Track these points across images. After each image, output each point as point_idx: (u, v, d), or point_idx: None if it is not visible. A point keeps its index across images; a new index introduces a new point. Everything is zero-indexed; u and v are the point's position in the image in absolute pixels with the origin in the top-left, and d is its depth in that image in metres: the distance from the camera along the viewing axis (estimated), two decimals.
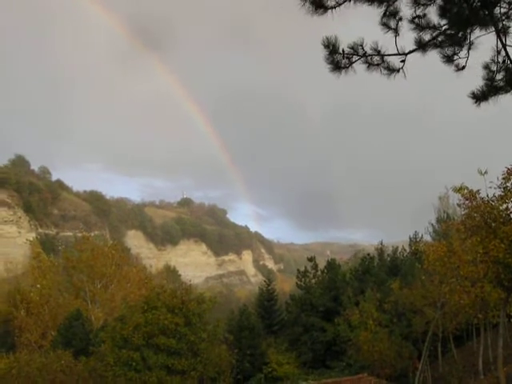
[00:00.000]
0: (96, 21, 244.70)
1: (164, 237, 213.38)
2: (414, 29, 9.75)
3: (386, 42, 9.55)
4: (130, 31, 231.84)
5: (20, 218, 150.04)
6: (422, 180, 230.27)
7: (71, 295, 55.55)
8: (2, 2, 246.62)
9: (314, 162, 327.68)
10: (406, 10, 9.56)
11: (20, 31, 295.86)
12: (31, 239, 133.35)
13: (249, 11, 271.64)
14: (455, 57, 9.86)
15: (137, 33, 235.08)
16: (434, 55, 9.78)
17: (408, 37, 9.66)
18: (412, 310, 38.78)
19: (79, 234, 64.77)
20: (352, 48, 9.51)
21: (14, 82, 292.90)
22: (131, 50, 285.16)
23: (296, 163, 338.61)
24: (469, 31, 9.61)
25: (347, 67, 9.59)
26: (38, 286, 54.89)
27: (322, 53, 9.39)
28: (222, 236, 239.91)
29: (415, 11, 9.60)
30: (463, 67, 9.99)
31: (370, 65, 9.70)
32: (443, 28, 9.62)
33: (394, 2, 9.53)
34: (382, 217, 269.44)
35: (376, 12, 9.45)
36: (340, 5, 9.16)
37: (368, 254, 52.42)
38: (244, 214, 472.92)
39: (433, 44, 9.67)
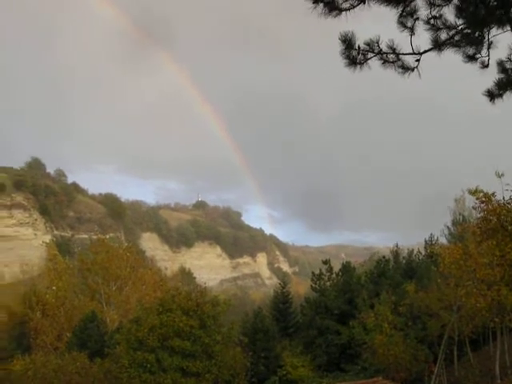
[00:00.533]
0: (103, 19, 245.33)
1: (179, 239, 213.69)
2: (430, 29, 9.73)
3: (400, 41, 9.55)
4: (139, 30, 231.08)
5: (36, 220, 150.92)
6: (437, 181, 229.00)
7: (86, 297, 55.75)
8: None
9: (328, 163, 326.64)
10: (422, 10, 9.55)
11: (26, 31, 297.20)
12: (47, 241, 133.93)
13: (260, 12, 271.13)
14: (478, 55, 9.83)
15: (145, 32, 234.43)
16: (447, 54, 9.73)
17: (423, 36, 9.64)
18: (428, 313, 38.57)
19: (94, 237, 64.91)
20: (368, 45, 9.53)
21: (25, 85, 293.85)
22: (140, 49, 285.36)
23: (310, 164, 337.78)
24: (486, 31, 9.56)
25: (362, 63, 9.62)
26: (54, 288, 55.13)
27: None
28: (237, 238, 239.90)
29: (431, 12, 9.58)
30: (487, 65, 9.97)
31: (385, 62, 9.71)
32: (460, 28, 9.58)
33: (410, 3, 9.52)
34: (397, 219, 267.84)
35: (389, 13, 9.44)
36: (354, 7, 9.16)
37: (383, 257, 52.21)
38: (258, 217, 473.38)
39: (449, 44, 9.64)
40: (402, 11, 9.53)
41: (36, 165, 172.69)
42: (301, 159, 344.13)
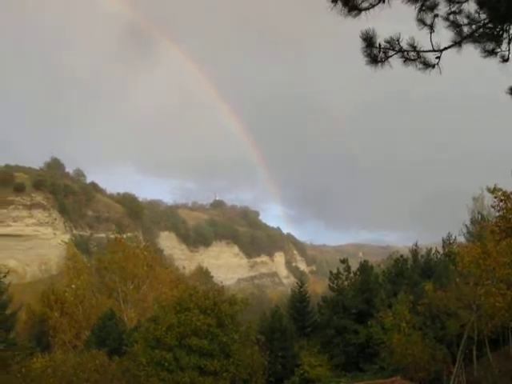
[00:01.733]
0: (117, 16, 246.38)
1: (196, 238, 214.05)
2: (450, 25, 9.67)
3: (420, 38, 9.50)
4: (152, 30, 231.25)
5: (55, 219, 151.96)
6: (455, 180, 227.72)
7: (104, 296, 56.05)
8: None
9: (345, 162, 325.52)
10: (441, 6, 9.50)
11: (38, 32, 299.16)
12: (66, 241, 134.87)
13: (276, 12, 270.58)
14: (497, 49, 9.75)
15: (158, 31, 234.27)
16: (468, 49, 9.67)
17: (443, 33, 9.59)
18: (446, 313, 38.34)
19: (112, 236, 65.21)
20: (388, 42, 9.50)
21: (43, 86, 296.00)
22: (154, 48, 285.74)
23: (327, 163, 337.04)
24: (507, 25, 9.49)
25: (383, 61, 9.60)
26: (73, 286, 55.47)
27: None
28: (254, 238, 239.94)
29: (450, 7, 9.53)
30: (507, 59, 9.89)
31: (406, 60, 9.68)
32: (480, 23, 9.52)
33: None
34: (415, 218, 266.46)
35: (407, 13, 9.40)
36: (374, 6, 9.12)
37: (401, 256, 51.97)
38: (276, 216, 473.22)
39: (469, 39, 9.57)
40: (421, 6, 9.48)
41: (55, 165, 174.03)
42: (318, 158, 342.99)
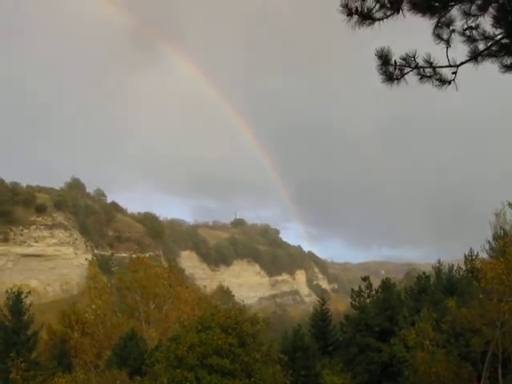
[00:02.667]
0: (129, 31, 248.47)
1: (217, 257, 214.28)
2: (466, 40, 9.64)
3: (436, 53, 9.49)
4: (172, 49, 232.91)
5: (76, 239, 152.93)
6: (476, 196, 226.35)
7: (125, 315, 56.07)
8: None
9: (366, 179, 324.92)
10: (457, 21, 9.48)
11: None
12: (88, 260, 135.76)
13: (289, 26, 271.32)
14: None
15: (176, 48, 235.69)
16: (486, 66, 9.63)
17: (459, 48, 9.56)
18: (470, 330, 37.84)
19: (134, 255, 65.46)
20: (404, 59, 9.49)
21: (63, 106, 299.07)
22: (171, 65, 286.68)
23: (347, 180, 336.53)
24: None
25: (399, 78, 9.58)
26: (94, 306, 55.57)
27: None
28: (275, 256, 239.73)
29: (466, 22, 9.51)
30: None
31: (422, 76, 9.66)
32: (497, 38, 9.47)
33: (446, 13, 9.45)
34: (437, 235, 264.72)
35: (423, 24, 9.39)
36: (388, 16, 9.14)
37: (423, 273, 51.59)
38: (297, 234, 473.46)
39: (486, 54, 9.53)
40: (438, 22, 9.47)
41: (76, 185, 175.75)
42: (339, 175, 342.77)
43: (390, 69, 9.55)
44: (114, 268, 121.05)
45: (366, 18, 9.01)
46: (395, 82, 9.63)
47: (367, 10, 9.04)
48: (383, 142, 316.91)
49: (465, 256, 52.80)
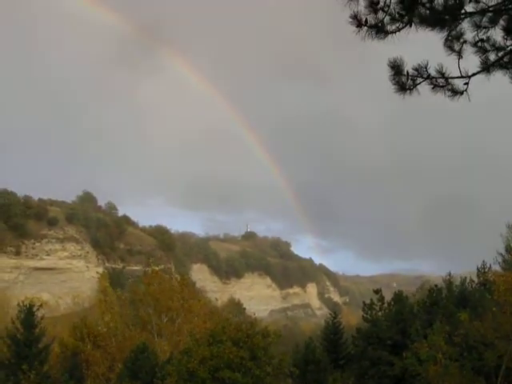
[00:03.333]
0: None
1: (228, 270, 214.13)
2: (477, 51, 9.67)
3: (448, 63, 9.52)
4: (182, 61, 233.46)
5: (88, 252, 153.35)
6: (487, 207, 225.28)
7: (138, 328, 56.04)
8: None
9: (376, 190, 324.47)
10: (468, 32, 9.52)
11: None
12: (99, 273, 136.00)
13: (300, 35, 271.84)
14: None
15: (188, 60, 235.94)
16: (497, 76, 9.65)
17: (471, 58, 9.59)
18: (483, 343, 37.58)
19: (147, 268, 65.48)
20: (416, 70, 9.54)
21: (74, 119, 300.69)
22: (180, 76, 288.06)
23: (359, 193, 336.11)
24: None
25: (411, 89, 9.63)
26: (107, 318, 55.60)
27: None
28: (287, 269, 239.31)
29: (477, 34, 9.53)
30: None
31: (434, 86, 9.69)
32: (508, 49, 9.49)
33: (456, 26, 9.48)
34: (448, 247, 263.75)
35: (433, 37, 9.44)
36: (400, 29, 9.19)
37: (435, 286, 51.30)
38: (308, 246, 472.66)
39: (498, 65, 9.54)
40: (448, 35, 9.51)
41: (88, 198, 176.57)
42: (349, 188, 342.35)
43: (403, 79, 9.60)
44: (126, 281, 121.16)
45: (378, 31, 9.06)
46: (408, 92, 9.68)
47: (378, 22, 9.09)
48: (395, 155, 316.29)
49: (477, 268, 52.57)
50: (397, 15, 9.10)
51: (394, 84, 9.62)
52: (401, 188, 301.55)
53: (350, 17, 9.05)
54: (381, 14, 9.11)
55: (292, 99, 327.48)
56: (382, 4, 9.10)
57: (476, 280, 51.85)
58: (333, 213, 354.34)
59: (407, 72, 9.55)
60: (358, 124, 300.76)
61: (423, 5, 9.08)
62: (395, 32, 9.13)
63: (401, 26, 9.10)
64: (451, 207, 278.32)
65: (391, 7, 9.10)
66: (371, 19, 9.07)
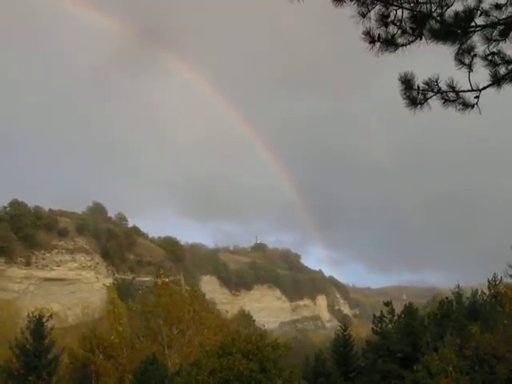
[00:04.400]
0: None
1: (238, 282, 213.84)
2: (488, 65, 9.69)
3: (458, 77, 9.54)
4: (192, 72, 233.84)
5: (98, 263, 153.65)
6: (497, 220, 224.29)
7: (148, 339, 56.01)
8: None
9: (386, 203, 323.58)
10: (479, 45, 9.55)
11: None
12: (108, 284, 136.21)
13: (313, 50, 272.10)
14: None
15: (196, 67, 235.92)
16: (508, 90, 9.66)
17: (481, 71, 9.60)
18: (495, 356, 37.32)
19: (157, 280, 65.49)
20: (427, 84, 9.57)
21: (84, 130, 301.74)
22: (194, 88, 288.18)
23: (368, 205, 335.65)
24: None
25: (422, 103, 9.66)
26: (120, 328, 55.61)
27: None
28: (296, 281, 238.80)
29: (488, 48, 9.56)
30: None
31: (445, 101, 9.71)
32: None
33: (467, 40, 9.52)
34: (459, 259, 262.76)
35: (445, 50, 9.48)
36: (411, 42, 9.24)
37: (446, 298, 51.06)
38: (318, 258, 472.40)
39: (509, 78, 9.55)
40: (459, 48, 9.54)
41: (98, 209, 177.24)
42: (360, 199, 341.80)
43: (414, 93, 9.64)
44: (136, 292, 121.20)
45: (389, 43, 9.11)
46: (418, 106, 9.71)
47: (390, 36, 9.15)
48: (405, 169, 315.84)
49: (488, 281, 52.30)
50: (408, 28, 9.16)
51: (405, 98, 9.66)
52: (412, 200, 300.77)
53: (363, 33, 9.12)
54: (392, 28, 9.18)
55: (309, 114, 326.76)
56: (392, 18, 9.17)
57: (487, 292, 51.57)
58: (343, 225, 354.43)
59: (418, 86, 9.58)
60: (373, 133, 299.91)
61: (434, 18, 9.13)
62: (406, 45, 9.19)
63: (411, 40, 9.16)
64: (462, 219, 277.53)
65: (403, 21, 9.16)
66: (382, 33, 9.14)
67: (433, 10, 9.13)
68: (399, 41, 9.19)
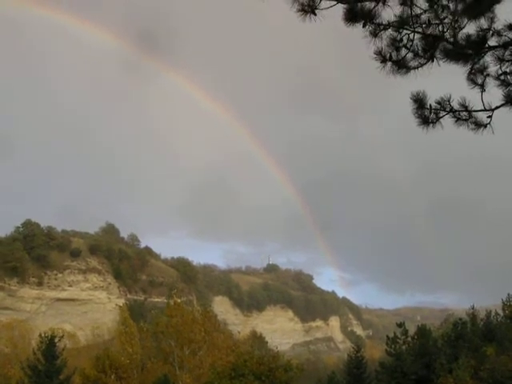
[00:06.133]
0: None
1: (250, 303, 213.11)
2: (500, 85, 9.69)
3: (471, 96, 9.56)
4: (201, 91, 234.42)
5: (110, 284, 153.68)
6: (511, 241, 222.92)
7: (159, 360, 55.88)
8: None
9: (400, 224, 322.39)
10: (491, 65, 9.57)
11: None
12: (120, 305, 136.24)
13: (323, 68, 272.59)
14: None
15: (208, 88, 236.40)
16: None
17: (494, 91, 9.61)
18: (511, 378, 36.92)
19: (170, 300, 65.45)
20: (439, 103, 9.59)
21: (99, 150, 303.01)
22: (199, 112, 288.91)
23: (382, 226, 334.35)
24: None
25: (435, 122, 9.67)
26: (130, 350, 55.52)
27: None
28: (309, 302, 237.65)
29: (501, 68, 9.57)
30: None
31: (458, 120, 9.72)
32: None
33: (479, 60, 9.54)
34: (472, 280, 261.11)
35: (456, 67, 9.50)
36: (423, 65, 9.28)
37: (460, 319, 50.64)
38: (330, 279, 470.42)
39: None
40: (471, 68, 9.56)
41: (110, 230, 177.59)
42: (372, 221, 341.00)
43: (426, 112, 9.66)
44: (148, 313, 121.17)
45: (401, 66, 9.15)
46: (431, 125, 9.72)
47: (401, 58, 9.19)
48: (418, 190, 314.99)
49: (502, 301, 51.85)
50: (420, 51, 9.20)
51: (417, 117, 9.68)
52: (425, 222, 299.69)
53: (375, 53, 9.15)
54: (403, 51, 9.22)
55: (321, 133, 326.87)
56: (404, 41, 9.20)
57: (501, 313, 51.11)
58: (356, 245, 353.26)
59: (430, 105, 9.61)
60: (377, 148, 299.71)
61: (446, 40, 9.16)
62: (417, 68, 9.23)
63: (423, 62, 9.19)
64: (475, 240, 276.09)
65: (414, 43, 9.20)
66: (394, 56, 9.18)
67: (445, 31, 9.17)
68: (411, 64, 9.23)
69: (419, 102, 9.56)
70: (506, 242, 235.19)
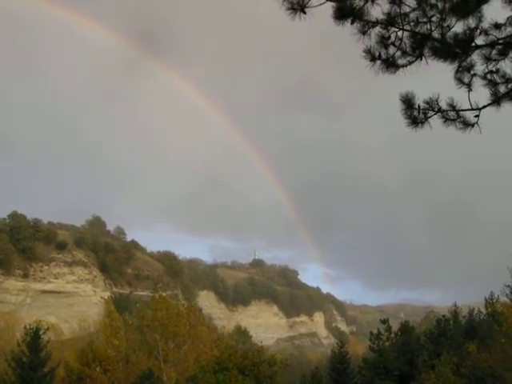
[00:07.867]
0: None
1: (235, 298, 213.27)
2: (487, 84, 9.80)
3: (458, 96, 9.66)
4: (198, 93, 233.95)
5: (95, 277, 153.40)
6: (494, 240, 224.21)
7: (144, 353, 55.87)
8: None
9: (385, 222, 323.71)
10: (478, 64, 9.68)
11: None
12: (106, 298, 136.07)
13: (315, 67, 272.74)
14: None
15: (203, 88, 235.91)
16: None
17: (481, 90, 9.72)
18: (492, 375, 37.23)
19: (156, 295, 65.36)
20: (428, 103, 9.69)
21: (88, 143, 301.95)
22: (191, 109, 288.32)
23: (367, 223, 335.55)
24: None
25: (423, 122, 9.78)
26: (116, 342, 55.40)
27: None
28: (294, 297, 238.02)
29: (487, 66, 9.68)
30: None
31: (446, 120, 9.83)
32: None
33: (466, 58, 9.64)
34: (456, 278, 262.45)
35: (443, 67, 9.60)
36: (411, 63, 9.38)
37: (443, 316, 50.97)
38: (315, 275, 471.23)
39: (508, 97, 9.66)
40: (459, 67, 9.66)
41: (96, 223, 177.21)
42: (357, 218, 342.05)
43: (415, 113, 9.75)
44: (133, 306, 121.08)
45: (390, 65, 9.25)
46: (419, 125, 9.82)
47: (390, 57, 9.29)
48: (404, 189, 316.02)
49: (485, 299, 52.23)
50: (408, 49, 9.30)
51: (406, 118, 9.77)
52: (410, 220, 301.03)
53: (364, 51, 9.25)
54: (392, 49, 9.32)
55: (315, 135, 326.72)
56: (393, 39, 9.30)
57: (484, 311, 51.47)
58: (341, 242, 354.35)
59: (418, 106, 9.70)
60: (368, 149, 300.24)
61: (434, 39, 9.26)
62: (406, 66, 9.32)
63: (412, 60, 9.29)
64: (459, 239, 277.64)
65: (403, 41, 9.30)
66: (383, 54, 9.27)
67: (433, 29, 9.26)
68: (399, 62, 9.33)
69: (408, 102, 9.66)
70: (491, 242, 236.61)
